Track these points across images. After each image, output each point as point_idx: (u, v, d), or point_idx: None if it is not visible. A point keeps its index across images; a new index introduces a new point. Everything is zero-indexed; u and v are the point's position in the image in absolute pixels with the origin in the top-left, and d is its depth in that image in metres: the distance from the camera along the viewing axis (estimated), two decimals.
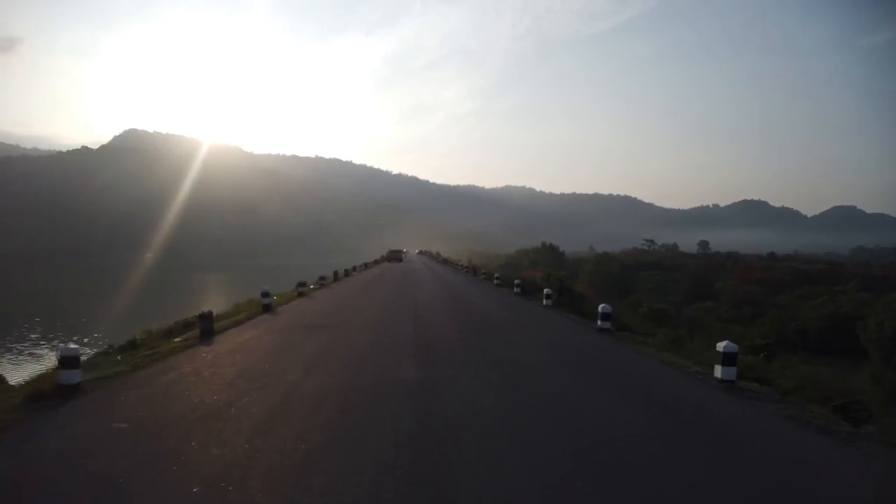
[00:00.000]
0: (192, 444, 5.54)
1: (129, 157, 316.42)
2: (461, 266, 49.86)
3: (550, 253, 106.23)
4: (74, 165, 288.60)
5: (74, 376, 7.65)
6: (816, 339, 39.50)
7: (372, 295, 23.48)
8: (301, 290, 22.65)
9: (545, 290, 21.36)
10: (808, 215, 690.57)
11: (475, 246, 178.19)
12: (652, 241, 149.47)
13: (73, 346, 8.13)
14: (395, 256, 68.48)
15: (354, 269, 43.96)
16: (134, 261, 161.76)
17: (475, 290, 28.37)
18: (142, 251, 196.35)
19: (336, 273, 34.05)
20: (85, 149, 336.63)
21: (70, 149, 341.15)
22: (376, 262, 60.88)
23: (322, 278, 29.44)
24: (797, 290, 58.30)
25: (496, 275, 32.37)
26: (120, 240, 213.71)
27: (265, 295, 17.78)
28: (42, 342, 38.85)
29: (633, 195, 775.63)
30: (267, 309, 17.27)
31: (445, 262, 68.44)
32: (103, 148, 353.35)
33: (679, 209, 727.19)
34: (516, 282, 25.61)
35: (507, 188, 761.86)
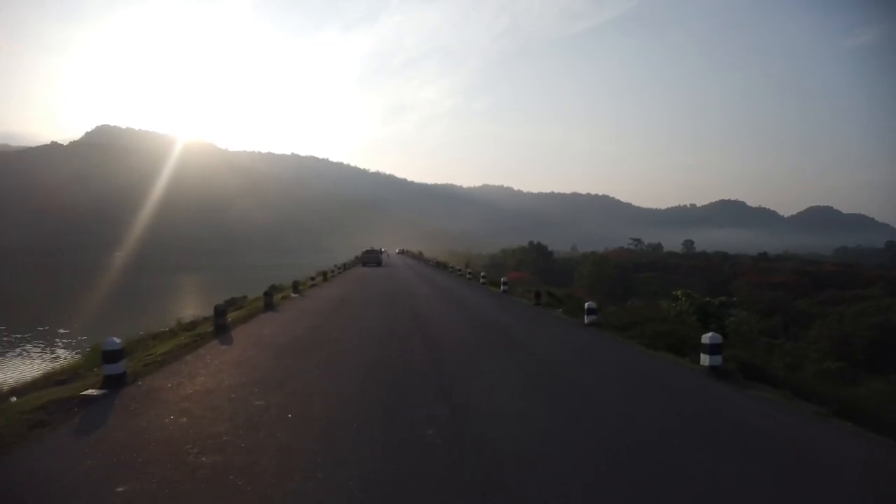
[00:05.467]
0: None
1: (100, 153, 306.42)
2: (461, 272, 35.87)
3: (538, 253, 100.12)
4: (43, 162, 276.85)
5: None
6: (865, 353, 33.93)
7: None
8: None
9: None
10: (785, 215, 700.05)
11: (455, 245, 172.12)
12: (639, 241, 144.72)
13: None
14: (372, 259, 54.04)
15: (296, 289, 22.87)
16: (101, 260, 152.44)
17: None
18: (112, 249, 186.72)
19: (268, 295, 17.46)
20: (54, 144, 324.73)
21: (39, 145, 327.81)
22: (345, 266, 46.33)
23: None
24: (817, 294, 53.11)
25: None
26: (90, 238, 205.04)
27: None
28: None
29: (611, 195, 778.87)
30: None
31: (439, 266, 49.46)
32: (73, 144, 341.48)
33: (657, 209, 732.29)
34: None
35: (485, 187, 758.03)
